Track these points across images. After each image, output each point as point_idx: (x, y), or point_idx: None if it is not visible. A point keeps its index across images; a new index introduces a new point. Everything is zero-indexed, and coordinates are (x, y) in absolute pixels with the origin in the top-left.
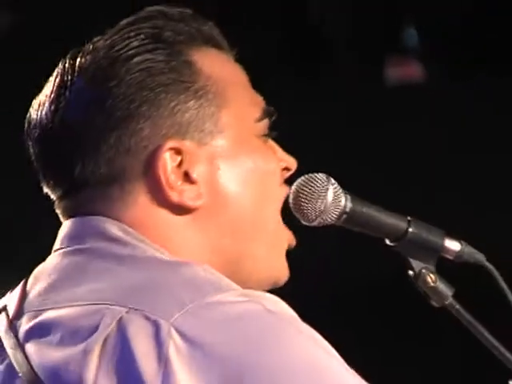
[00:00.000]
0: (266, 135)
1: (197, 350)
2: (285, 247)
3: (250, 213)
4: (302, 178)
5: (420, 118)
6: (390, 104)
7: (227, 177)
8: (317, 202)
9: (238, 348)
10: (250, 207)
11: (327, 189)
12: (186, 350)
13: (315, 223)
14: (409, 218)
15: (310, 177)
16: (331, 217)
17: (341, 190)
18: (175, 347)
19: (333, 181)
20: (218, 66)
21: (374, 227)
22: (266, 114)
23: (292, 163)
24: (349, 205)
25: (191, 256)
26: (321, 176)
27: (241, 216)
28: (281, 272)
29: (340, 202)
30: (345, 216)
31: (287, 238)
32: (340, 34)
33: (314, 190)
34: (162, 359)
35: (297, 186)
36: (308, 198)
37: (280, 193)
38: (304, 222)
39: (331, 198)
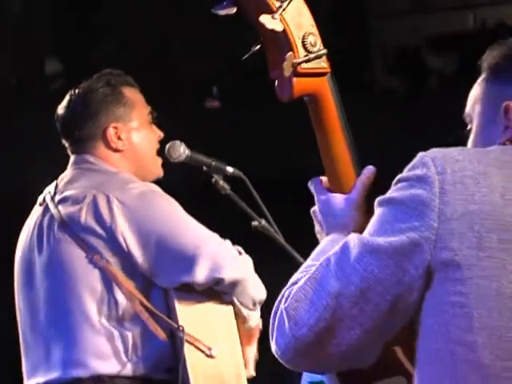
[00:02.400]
0: (151, 122)
1: (124, 207)
2: (159, 164)
3: (144, 152)
4: (170, 142)
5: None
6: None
7: (135, 138)
8: (176, 152)
9: (139, 206)
10: (144, 150)
11: (180, 146)
12: (120, 207)
13: (176, 161)
14: (213, 159)
15: (174, 142)
16: (182, 158)
17: (186, 147)
18: (115, 205)
19: (182, 143)
20: (133, 94)
21: (201, 163)
22: (150, 112)
23: (161, 134)
24: (189, 153)
25: (122, 169)
26: (178, 142)
27: (140, 153)
28: (159, 173)
29: (185, 152)
30: (188, 158)
31: (159, 160)
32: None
33: (175, 147)
34: (111, 211)
35: (168, 146)
36: (173, 151)
37: (156, 146)
38: (171, 161)
39: (182, 150)
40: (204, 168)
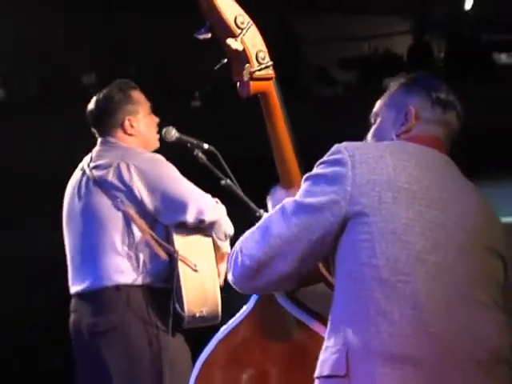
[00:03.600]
0: (150, 112)
1: (138, 171)
2: (157, 138)
3: (148, 133)
4: (165, 127)
5: None
6: None
7: (142, 125)
8: (169, 134)
9: (149, 169)
10: (148, 132)
11: (172, 130)
12: (136, 171)
13: (169, 140)
14: (195, 139)
15: (168, 127)
16: (174, 139)
17: (176, 130)
18: (133, 170)
19: (174, 128)
20: (137, 94)
21: (186, 141)
22: (150, 106)
23: (157, 119)
24: (178, 135)
25: (133, 146)
26: (171, 127)
27: (146, 135)
28: (157, 145)
29: (176, 134)
30: (178, 139)
31: (157, 136)
32: None
33: (169, 131)
34: (130, 174)
35: (164, 130)
36: (167, 133)
37: (155, 127)
38: (166, 140)
39: (173, 133)
40: (188, 145)
